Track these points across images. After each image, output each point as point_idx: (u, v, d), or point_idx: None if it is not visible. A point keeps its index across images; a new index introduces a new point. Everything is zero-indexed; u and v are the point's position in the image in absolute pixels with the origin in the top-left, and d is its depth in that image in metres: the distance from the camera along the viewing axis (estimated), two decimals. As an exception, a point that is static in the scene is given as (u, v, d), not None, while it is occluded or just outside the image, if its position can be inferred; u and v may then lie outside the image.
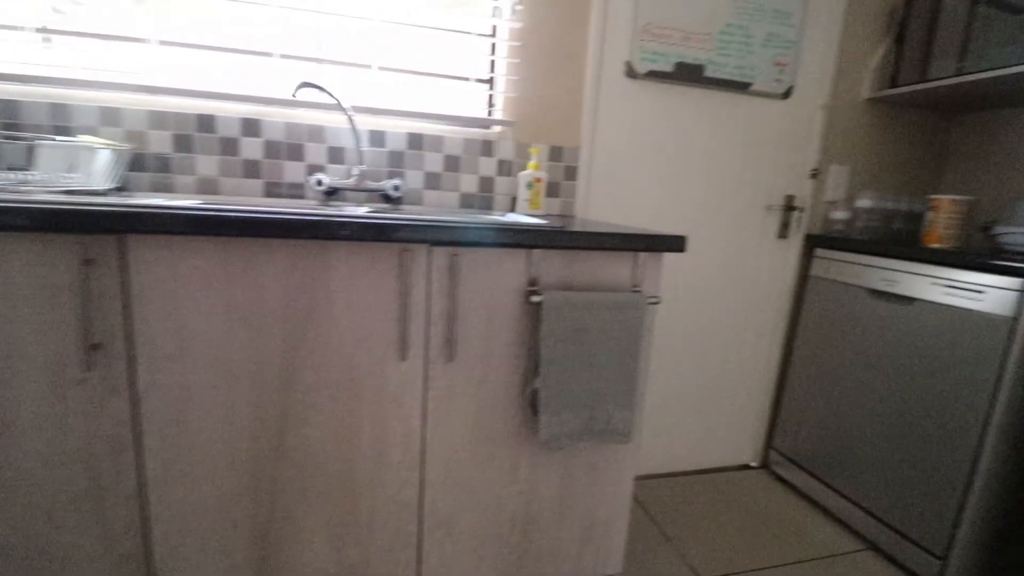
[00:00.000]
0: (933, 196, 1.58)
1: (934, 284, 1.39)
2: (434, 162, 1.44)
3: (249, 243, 0.81)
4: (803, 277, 1.83)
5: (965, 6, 1.50)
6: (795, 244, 1.80)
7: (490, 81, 1.49)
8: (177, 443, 0.86)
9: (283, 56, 1.33)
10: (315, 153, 1.36)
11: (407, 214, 1.21)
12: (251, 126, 1.31)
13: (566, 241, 0.91)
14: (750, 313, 1.82)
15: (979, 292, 1.29)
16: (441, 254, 0.89)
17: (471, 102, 1.49)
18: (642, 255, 1.00)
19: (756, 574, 1.41)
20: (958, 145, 1.88)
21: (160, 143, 1.27)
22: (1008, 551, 1.41)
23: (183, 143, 1.28)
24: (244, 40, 1.30)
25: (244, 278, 0.82)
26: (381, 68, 1.39)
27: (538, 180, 1.44)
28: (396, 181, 1.33)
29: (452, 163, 1.45)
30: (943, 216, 1.57)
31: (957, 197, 1.54)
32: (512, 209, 1.52)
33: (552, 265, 0.95)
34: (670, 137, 1.61)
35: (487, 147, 1.48)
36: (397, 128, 1.40)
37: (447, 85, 1.46)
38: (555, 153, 1.53)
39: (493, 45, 1.46)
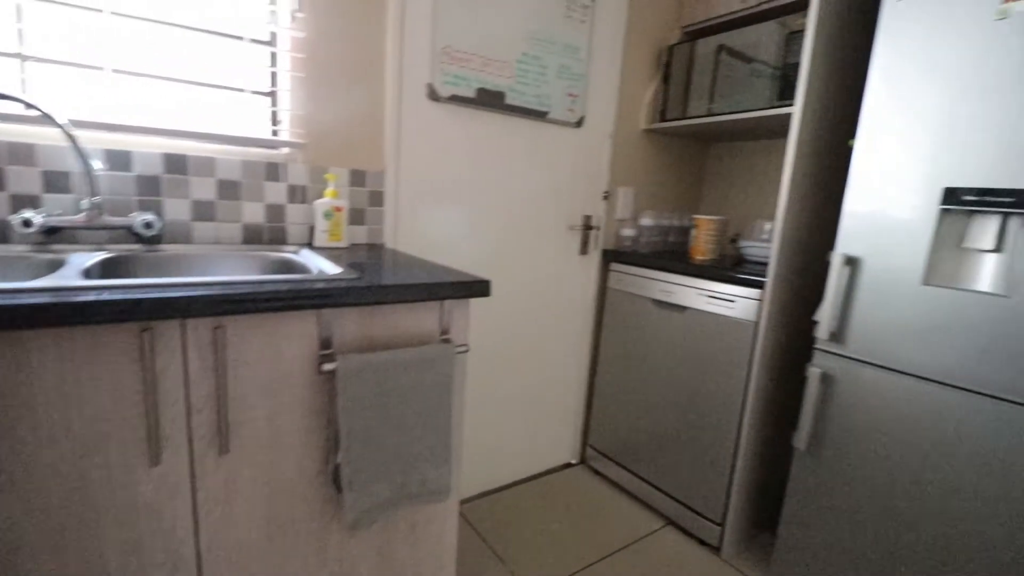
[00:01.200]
0: (695, 216, 1.85)
1: (699, 295, 1.62)
2: (204, 188, 1.20)
3: None
4: (603, 289, 2.00)
5: (712, 54, 1.77)
6: (594, 260, 1.96)
7: (272, 95, 1.30)
8: None
9: (-45, 47, 0.97)
10: (23, 180, 1.02)
11: (150, 277, 0.99)
12: (-97, 142, 0.93)
13: (360, 298, 0.82)
14: (560, 324, 1.94)
15: (731, 301, 1.54)
16: (200, 328, 0.72)
17: (250, 119, 1.28)
18: (448, 301, 0.95)
19: (582, 574, 1.50)
20: (712, 170, 2.25)
21: None
22: (764, 512, 1.73)
23: None
24: None
25: None
26: (118, 72, 1.11)
27: (337, 209, 1.30)
28: (148, 216, 1.07)
29: (229, 189, 1.23)
30: (703, 233, 1.84)
31: (713, 217, 1.82)
32: (310, 241, 1.35)
33: (347, 323, 0.85)
34: (477, 161, 1.60)
35: (274, 170, 1.29)
36: (148, 148, 1.14)
37: (217, 97, 1.23)
38: (357, 177, 1.41)
39: (273, 55, 1.27)
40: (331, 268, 0.96)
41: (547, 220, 1.81)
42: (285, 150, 1.30)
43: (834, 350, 1.31)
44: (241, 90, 1.25)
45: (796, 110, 1.40)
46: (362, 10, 1.34)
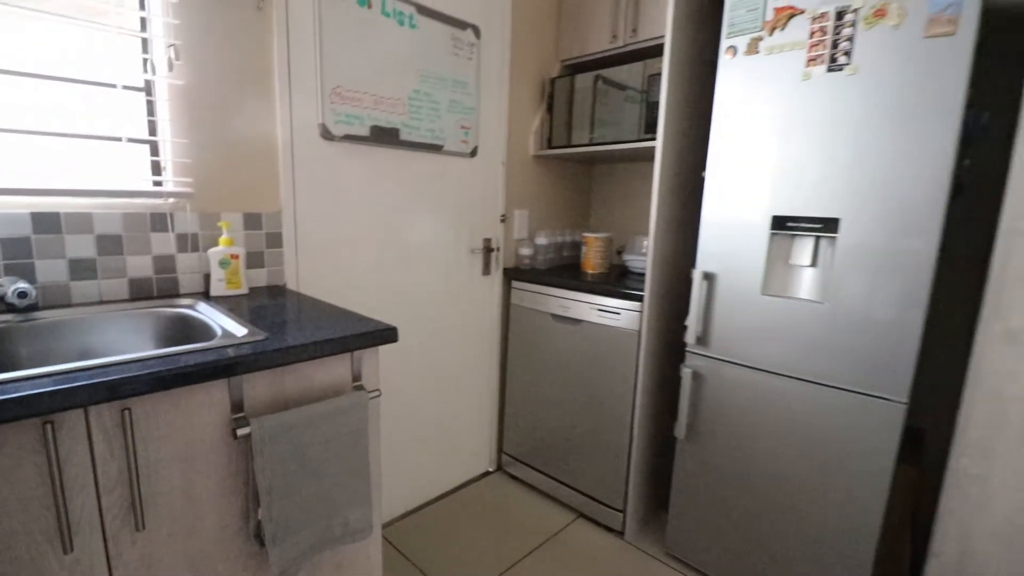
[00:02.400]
0: (584, 234, 2.04)
1: (591, 308, 1.80)
2: (81, 246, 1.14)
3: None
4: (507, 306, 2.13)
5: (590, 88, 1.96)
6: (497, 279, 2.08)
7: (153, 144, 1.25)
8: None
9: None
10: None
11: (32, 351, 0.95)
12: None
13: (270, 361, 0.85)
14: (469, 342, 2.04)
15: (617, 313, 1.73)
16: (104, 412, 0.72)
17: (130, 169, 1.23)
18: (358, 350, 1.01)
19: (505, 575, 1.62)
20: (598, 189, 2.46)
21: None
22: (659, 495, 1.96)
23: None
24: None
25: None
26: (-31, 129, 1.02)
27: (233, 256, 1.29)
28: (22, 284, 1.01)
29: (111, 244, 1.18)
30: (592, 249, 2.03)
31: (599, 235, 2.01)
32: (206, 290, 1.33)
33: (259, 384, 0.88)
34: (377, 195, 1.65)
35: (160, 220, 1.25)
36: (13, 208, 1.06)
37: (91, 149, 1.16)
38: (252, 220, 1.40)
39: (150, 103, 1.23)
40: (235, 327, 0.98)
41: (449, 245, 1.89)
42: (171, 199, 1.26)
43: (701, 352, 1.54)
44: (118, 139, 1.20)
45: (658, 144, 1.61)
46: (244, 56, 1.33)
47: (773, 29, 1.32)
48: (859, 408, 1.28)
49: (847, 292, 1.27)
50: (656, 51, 1.83)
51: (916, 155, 1.16)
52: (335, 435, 0.93)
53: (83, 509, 0.72)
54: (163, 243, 1.26)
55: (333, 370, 0.98)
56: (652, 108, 1.77)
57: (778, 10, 1.31)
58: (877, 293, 1.23)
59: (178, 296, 1.27)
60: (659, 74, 1.73)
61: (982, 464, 1.15)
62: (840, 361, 1.29)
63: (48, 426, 0.67)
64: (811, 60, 1.28)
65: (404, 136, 1.66)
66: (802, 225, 1.33)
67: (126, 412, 0.73)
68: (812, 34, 1.27)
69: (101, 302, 1.17)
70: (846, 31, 1.22)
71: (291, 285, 1.49)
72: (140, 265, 1.23)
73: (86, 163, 1.16)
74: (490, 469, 2.25)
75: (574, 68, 2.13)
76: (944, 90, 1.12)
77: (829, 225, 1.28)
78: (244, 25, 1.31)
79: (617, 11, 1.90)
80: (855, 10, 1.20)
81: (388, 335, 1.01)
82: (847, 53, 1.23)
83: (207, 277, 1.33)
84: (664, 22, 1.73)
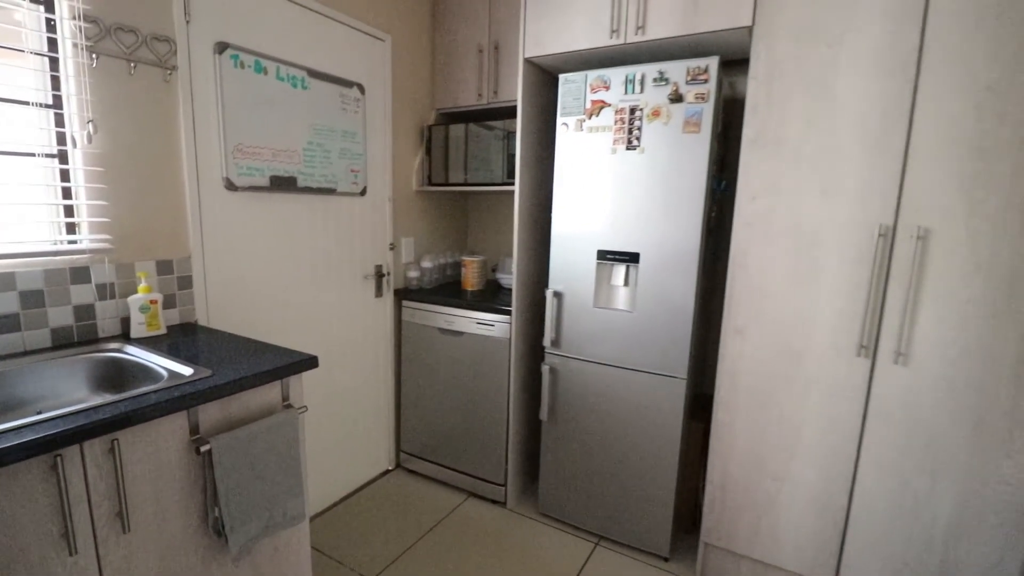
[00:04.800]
0: (464, 257, 2.42)
1: (470, 322, 2.19)
2: (6, 302, 1.26)
3: None
4: (398, 323, 2.44)
5: (463, 136, 2.33)
6: (388, 300, 2.38)
7: (71, 208, 1.38)
8: None
9: None
10: None
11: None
12: None
13: (222, 392, 1.11)
14: (367, 357, 2.31)
15: (492, 325, 2.14)
16: (96, 444, 0.94)
17: (49, 228, 1.35)
18: (287, 377, 1.28)
19: (407, 554, 1.94)
20: (474, 216, 2.86)
21: None
22: (532, 468, 2.41)
23: None
24: None
25: None
26: None
27: (153, 302, 1.46)
28: (-39, 344, 1.12)
29: (33, 298, 1.30)
30: (471, 269, 2.42)
31: (475, 258, 2.41)
32: (125, 332, 1.47)
33: (210, 411, 1.12)
34: (278, 236, 1.87)
35: (79, 273, 1.38)
36: (-64, 273, 1.16)
37: (10, 212, 1.27)
38: (164, 266, 1.56)
39: (65, 171, 1.36)
40: (178, 367, 1.20)
41: (345, 274, 2.16)
42: (89, 255, 1.40)
43: (555, 352, 2.00)
44: (37, 205, 1.31)
45: (516, 190, 2.04)
46: (155, 123, 1.49)
47: (591, 115, 1.81)
48: (659, 385, 1.82)
49: (646, 304, 1.80)
50: (511, 112, 2.25)
51: (683, 210, 1.71)
52: (274, 444, 1.20)
53: (79, 521, 0.93)
54: (83, 294, 1.39)
55: (268, 394, 1.24)
56: (512, 158, 2.19)
57: (594, 102, 1.80)
58: (663, 304, 1.77)
59: (99, 340, 1.41)
60: (514, 132, 2.16)
61: (729, 416, 1.73)
62: (645, 353, 1.82)
63: (58, 459, 0.88)
64: (615, 140, 1.78)
65: (301, 183, 1.90)
66: (617, 257, 1.83)
67: (114, 442, 0.95)
68: (616, 122, 1.77)
69: (25, 352, 1.29)
70: (637, 122, 1.74)
71: (202, 321, 1.67)
72: (61, 315, 1.35)
73: (9, 227, 1.27)
74: (390, 467, 2.55)
75: (448, 117, 2.50)
76: (695, 168, 1.67)
77: (634, 257, 1.80)
78: (153, 96, 1.48)
79: (480, 74, 2.30)
80: (641, 109, 1.72)
81: (311, 363, 1.30)
82: (638, 138, 1.74)
83: (124, 320, 1.48)
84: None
